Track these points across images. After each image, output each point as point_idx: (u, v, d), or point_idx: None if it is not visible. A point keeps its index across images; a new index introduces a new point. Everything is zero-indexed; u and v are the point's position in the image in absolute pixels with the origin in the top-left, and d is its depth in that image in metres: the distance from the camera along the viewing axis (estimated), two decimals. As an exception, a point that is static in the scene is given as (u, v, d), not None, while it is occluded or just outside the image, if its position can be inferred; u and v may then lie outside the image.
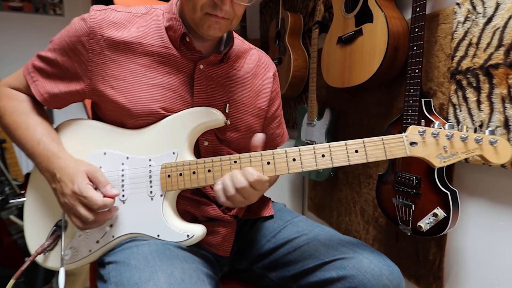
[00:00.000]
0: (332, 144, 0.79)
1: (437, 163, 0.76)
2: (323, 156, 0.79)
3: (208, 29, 0.85)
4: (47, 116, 0.97)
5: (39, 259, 0.92)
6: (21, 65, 0.97)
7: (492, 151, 0.74)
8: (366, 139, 0.78)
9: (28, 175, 1.61)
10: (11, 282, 0.86)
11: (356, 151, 0.78)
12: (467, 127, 0.75)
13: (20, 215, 1.89)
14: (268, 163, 0.81)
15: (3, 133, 0.96)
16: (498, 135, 0.83)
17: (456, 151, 0.75)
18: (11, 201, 1.84)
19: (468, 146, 0.75)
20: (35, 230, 0.94)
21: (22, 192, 2.00)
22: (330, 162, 0.79)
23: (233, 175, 0.79)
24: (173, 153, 0.88)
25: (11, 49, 3.06)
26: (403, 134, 0.78)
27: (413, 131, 0.77)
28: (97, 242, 0.88)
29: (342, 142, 0.78)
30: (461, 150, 0.75)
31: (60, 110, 1.01)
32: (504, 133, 1.05)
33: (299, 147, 0.80)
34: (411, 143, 0.77)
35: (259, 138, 0.83)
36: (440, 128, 0.76)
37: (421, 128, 0.76)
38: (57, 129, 0.96)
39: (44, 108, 0.99)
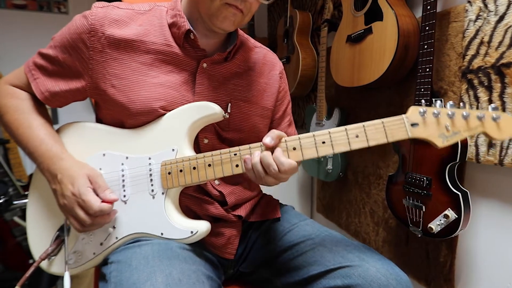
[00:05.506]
0: (332, 130, 0.77)
1: (440, 143, 0.74)
2: (323, 143, 0.78)
3: (223, 21, 0.85)
4: (48, 116, 0.96)
5: (44, 264, 0.91)
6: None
7: (495, 127, 0.72)
8: (366, 123, 0.77)
9: (32, 176, 1.61)
10: None
11: (357, 136, 0.77)
12: (470, 105, 0.72)
13: (24, 217, 1.88)
14: None
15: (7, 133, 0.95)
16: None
17: (458, 129, 0.73)
18: (15, 202, 1.83)
19: (470, 123, 0.73)
20: (38, 233, 0.93)
21: (26, 193, 2.00)
22: (331, 148, 0.77)
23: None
24: (173, 150, 0.86)
25: (14, 48, 3.05)
26: (403, 115, 0.76)
27: (414, 112, 0.75)
28: (101, 244, 0.87)
29: (342, 128, 0.77)
30: (464, 128, 0.73)
31: (66, 111, 1.00)
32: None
33: (299, 135, 0.79)
34: (412, 124, 0.75)
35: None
36: (441, 107, 0.74)
37: (421, 109, 0.74)
38: (56, 132, 0.95)
39: (45, 107, 0.98)
